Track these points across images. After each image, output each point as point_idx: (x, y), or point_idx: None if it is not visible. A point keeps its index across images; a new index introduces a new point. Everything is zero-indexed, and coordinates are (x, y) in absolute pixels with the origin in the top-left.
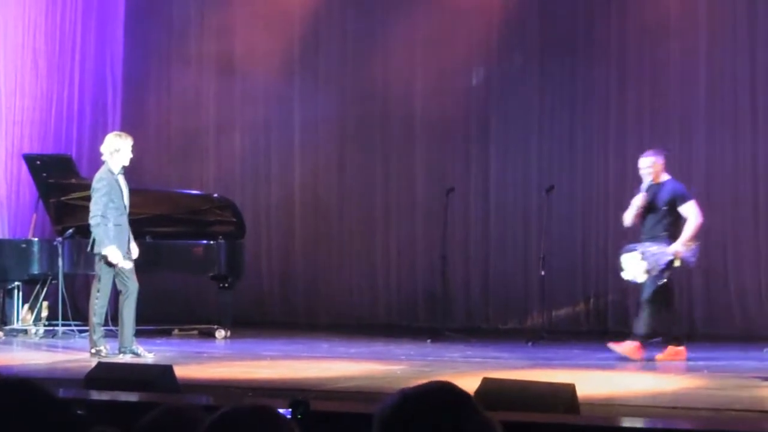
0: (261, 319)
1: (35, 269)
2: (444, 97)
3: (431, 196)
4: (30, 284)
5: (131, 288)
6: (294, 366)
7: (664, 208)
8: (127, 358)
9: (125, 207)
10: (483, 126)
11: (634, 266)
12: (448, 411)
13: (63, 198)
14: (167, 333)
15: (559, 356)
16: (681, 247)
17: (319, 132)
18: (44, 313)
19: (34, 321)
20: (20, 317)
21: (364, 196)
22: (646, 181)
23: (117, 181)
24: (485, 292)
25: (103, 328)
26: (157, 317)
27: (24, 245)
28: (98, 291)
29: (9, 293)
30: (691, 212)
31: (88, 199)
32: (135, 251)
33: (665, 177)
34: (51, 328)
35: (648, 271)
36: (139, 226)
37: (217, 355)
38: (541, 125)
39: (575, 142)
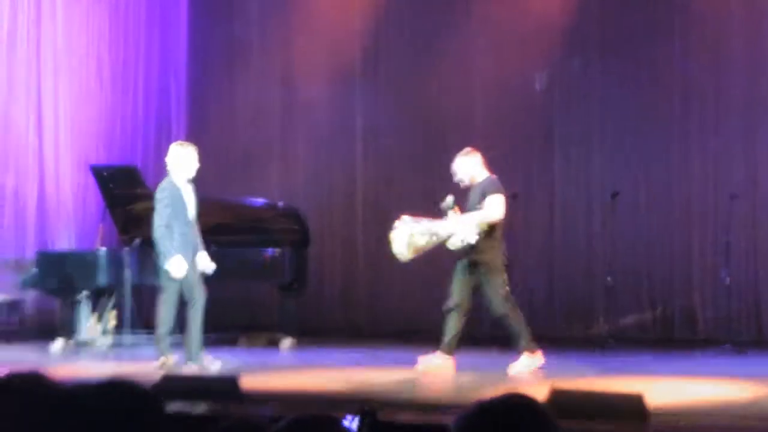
0: (323, 328)
1: (102, 280)
2: (505, 103)
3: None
4: (97, 295)
5: (198, 298)
6: (359, 375)
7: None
8: (193, 369)
9: (190, 218)
10: (546, 132)
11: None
12: (526, 424)
13: (129, 208)
14: (232, 341)
15: (626, 364)
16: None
17: (380, 141)
18: (111, 324)
19: (101, 332)
20: (88, 328)
21: (425, 204)
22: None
23: (180, 191)
24: (550, 299)
25: (170, 337)
26: (221, 325)
27: (90, 256)
28: (163, 302)
29: (76, 304)
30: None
31: (154, 209)
32: (203, 262)
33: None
34: (118, 338)
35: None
36: (204, 235)
37: (283, 364)
38: (604, 130)
39: (639, 146)
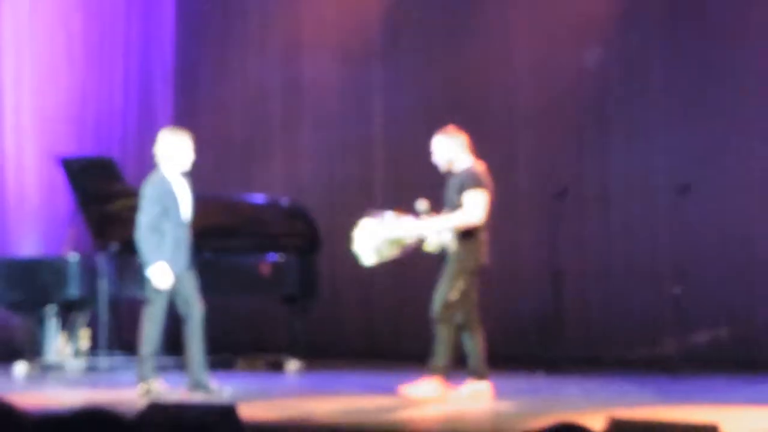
0: (338, 348)
1: (73, 292)
2: (551, 82)
3: (539, 200)
4: (67, 310)
5: (195, 313)
6: (380, 404)
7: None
8: (197, 396)
9: (184, 218)
10: (599, 116)
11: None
12: None
13: (104, 207)
14: (229, 365)
15: (697, 390)
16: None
17: (404, 127)
18: (84, 344)
19: (72, 353)
20: (56, 349)
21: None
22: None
23: (172, 186)
24: (607, 313)
25: (154, 359)
26: (217, 346)
27: (59, 264)
28: (148, 317)
29: (42, 321)
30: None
31: (135, 208)
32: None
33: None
34: (93, 360)
35: None
36: (195, 239)
37: (288, 390)
38: (668, 113)
39: (711, 132)
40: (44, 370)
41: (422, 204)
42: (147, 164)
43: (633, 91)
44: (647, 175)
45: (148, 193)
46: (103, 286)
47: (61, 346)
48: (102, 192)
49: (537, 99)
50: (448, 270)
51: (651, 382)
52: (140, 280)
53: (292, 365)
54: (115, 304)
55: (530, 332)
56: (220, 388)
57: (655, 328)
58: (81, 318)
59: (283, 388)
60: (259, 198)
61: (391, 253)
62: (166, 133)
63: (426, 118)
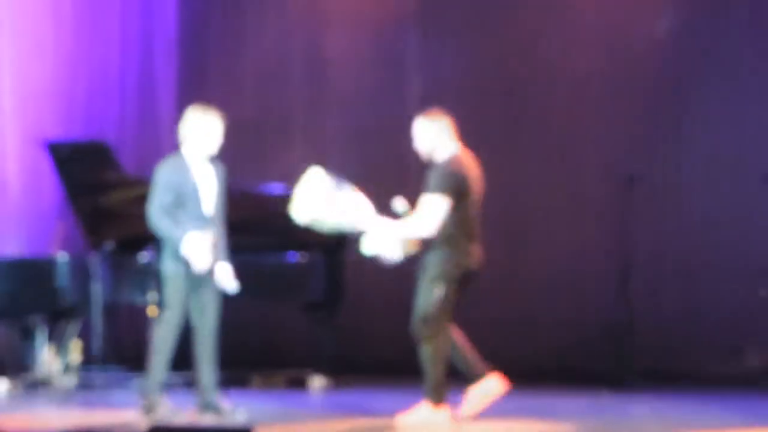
0: (368, 363)
1: (62, 298)
2: (618, 54)
3: (604, 189)
4: (56, 318)
5: (207, 324)
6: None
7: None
8: (207, 418)
9: (206, 212)
10: (674, 92)
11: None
12: None
13: (98, 199)
14: (244, 382)
15: None
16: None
17: (444, 106)
18: (75, 358)
19: (62, 368)
20: (44, 363)
21: (508, 190)
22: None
23: (190, 172)
24: (684, 321)
25: (164, 374)
26: (230, 360)
27: (46, 265)
28: (162, 323)
29: (28, 331)
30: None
31: (135, 200)
32: (224, 277)
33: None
34: (85, 377)
35: None
36: None
37: (312, 411)
38: (759, 88)
39: None
40: (30, 388)
41: (400, 203)
42: (147, 149)
43: (713, 65)
44: (730, 161)
45: (160, 178)
46: (97, 291)
47: (49, 359)
48: (95, 182)
49: (601, 76)
50: (423, 280)
51: (734, 401)
52: (140, 283)
53: (316, 382)
54: (110, 312)
55: (595, 342)
56: (234, 410)
57: (739, 337)
58: (72, 328)
59: (305, 408)
60: (277, 188)
61: (325, 225)
62: (192, 111)
63: (469, 97)
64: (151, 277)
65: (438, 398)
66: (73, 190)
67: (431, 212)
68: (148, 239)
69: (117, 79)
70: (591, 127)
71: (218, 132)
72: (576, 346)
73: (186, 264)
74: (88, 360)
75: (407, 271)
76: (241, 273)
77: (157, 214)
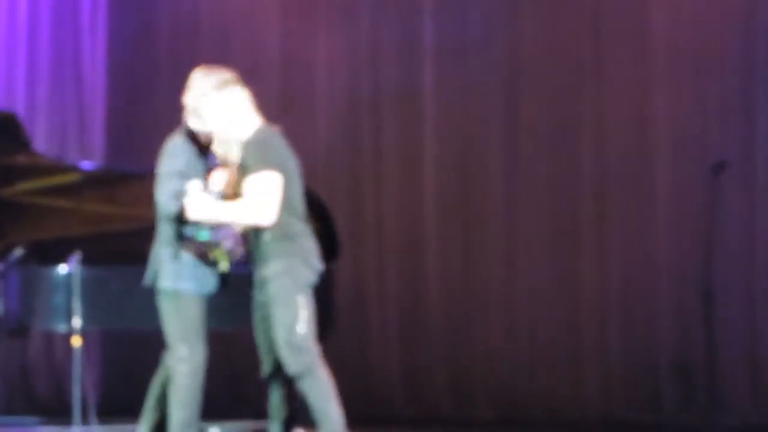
0: (373, 411)
1: None
2: (702, 16)
3: (684, 179)
4: None
5: (197, 352)
6: None
7: None
8: None
9: None
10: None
11: None
12: None
13: (4, 191)
14: None
15: None
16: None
17: (468, 79)
18: None
19: None
20: None
21: (553, 183)
22: None
23: (200, 157)
24: None
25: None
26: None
27: None
28: (180, 366)
29: None
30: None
31: (52, 190)
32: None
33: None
34: None
35: None
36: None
37: None
38: None
39: None
40: None
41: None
42: (68, 124)
43: None
44: None
45: (165, 166)
46: (1, 315)
47: None
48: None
49: (682, 37)
50: (274, 295)
51: None
52: (60, 303)
53: None
54: (16, 341)
55: (661, 386)
56: None
57: None
58: None
59: None
60: None
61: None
62: (198, 76)
63: (504, 71)
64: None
65: None
66: None
67: (262, 196)
68: (71, 244)
69: (26, 31)
70: (668, 103)
71: (234, 99)
72: (640, 389)
73: (202, 277)
74: None
75: (416, 287)
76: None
77: (167, 203)
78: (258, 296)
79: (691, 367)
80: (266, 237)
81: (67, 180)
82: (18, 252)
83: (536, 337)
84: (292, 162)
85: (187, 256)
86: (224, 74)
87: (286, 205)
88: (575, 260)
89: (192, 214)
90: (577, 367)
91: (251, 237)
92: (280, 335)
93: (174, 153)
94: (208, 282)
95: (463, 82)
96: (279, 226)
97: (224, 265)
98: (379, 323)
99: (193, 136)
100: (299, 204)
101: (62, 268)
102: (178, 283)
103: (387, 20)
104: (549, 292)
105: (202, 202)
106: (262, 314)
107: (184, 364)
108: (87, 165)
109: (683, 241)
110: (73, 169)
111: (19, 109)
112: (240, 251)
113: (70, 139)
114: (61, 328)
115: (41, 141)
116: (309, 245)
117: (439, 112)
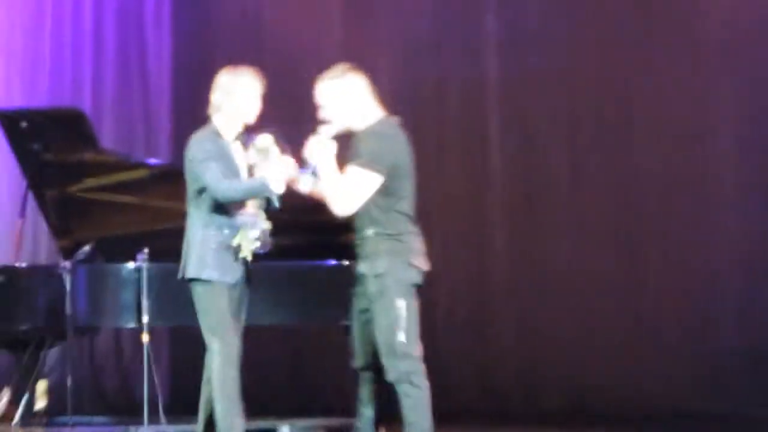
0: (443, 407)
1: (23, 321)
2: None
3: (753, 182)
4: (13, 349)
5: (230, 344)
6: None
7: None
8: None
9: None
10: None
11: None
12: None
13: (71, 188)
14: None
15: None
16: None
17: (524, 58)
18: (41, 403)
19: (20, 416)
20: None
21: (617, 171)
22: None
23: (227, 148)
24: None
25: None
26: (252, 405)
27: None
28: (217, 352)
29: None
30: None
31: (119, 187)
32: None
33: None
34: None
35: None
36: None
37: None
38: None
39: None
40: None
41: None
42: (130, 122)
43: None
44: None
45: (197, 154)
46: (70, 313)
47: (3, 404)
48: (65, 164)
49: (741, 19)
50: (374, 294)
51: None
52: (129, 300)
53: None
54: (88, 340)
55: (728, 380)
56: None
57: None
58: (36, 363)
59: None
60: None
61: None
62: (224, 75)
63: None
64: (143, 291)
65: None
66: (36, 175)
67: (354, 189)
68: (139, 240)
69: (91, 31)
70: (732, 85)
71: (256, 97)
72: (707, 383)
73: (227, 265)
74: (59, 406)
75: (481, 284)
76: (265, 285)
77: (217, 186)
78: (358, 288)
79: (758, 357)
80: (369, 232)
81: (133, 176)
82: (86, 249)
83: (603, 329)
84: (408, 159)
85: (213, 243)
86: (253, 72)
87: (394, 203)
88: (639, 250)
89: (311, 155)
90: (641, 359)
91: (356, 229)
92: (380, 339)
93: (201, 140)
94: (234, 271)
95: (525, 73)
96: (384, 223)
97: (247, 252)
98: (445, 313)
99: (217, 134)
100: (409, 203)
101: (130, 265)
102: (201, 272)
103: (450, 13)
104: (614, 283)
105: (327, 150)
106: (360, 306)
107: (217, 358)
108: (153, 161)
109: (749, 230)
110: (140, 165)
111: (86, 106)
112: (267, 241)
113: (136, 135)
114: (129, 325)
115: (108, 138)
116: (416, 245)
117: (502, 103)
